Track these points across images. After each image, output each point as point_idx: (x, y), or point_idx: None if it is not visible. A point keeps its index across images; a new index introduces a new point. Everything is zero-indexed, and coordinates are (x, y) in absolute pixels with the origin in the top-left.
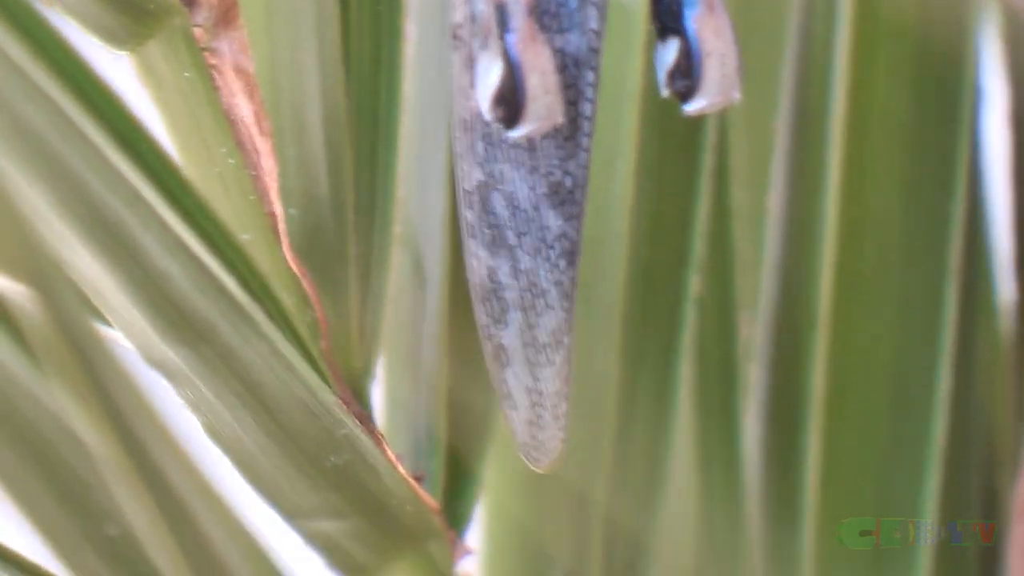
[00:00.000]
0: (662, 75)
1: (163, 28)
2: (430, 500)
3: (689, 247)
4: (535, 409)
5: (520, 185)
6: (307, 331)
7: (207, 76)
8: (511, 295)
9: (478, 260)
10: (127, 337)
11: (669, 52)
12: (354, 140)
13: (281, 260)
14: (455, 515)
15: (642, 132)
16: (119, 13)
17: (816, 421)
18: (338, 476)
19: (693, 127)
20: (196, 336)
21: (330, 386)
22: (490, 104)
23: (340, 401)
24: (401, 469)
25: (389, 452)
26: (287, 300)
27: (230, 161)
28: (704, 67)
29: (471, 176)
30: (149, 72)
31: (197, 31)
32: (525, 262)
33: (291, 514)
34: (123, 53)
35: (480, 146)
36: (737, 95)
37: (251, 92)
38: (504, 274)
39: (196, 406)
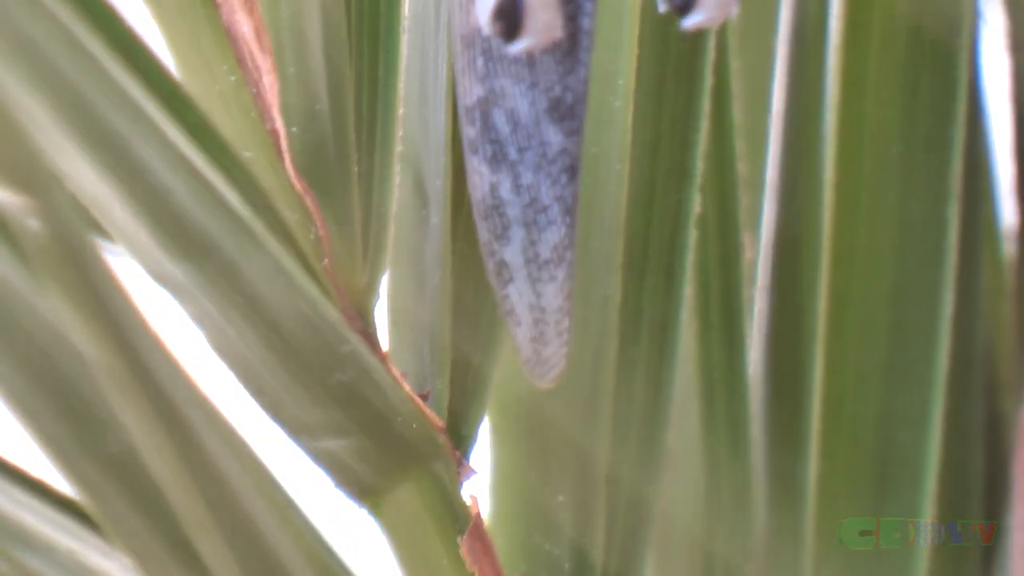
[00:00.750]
0: None
1: None
2: (435, 419)
3: (690, 166)
4: (538, 326)
5: (520, 101)
6: (310, 248)
7: None
8: (513, 211)
9: (480, 176)
10: (130, 252)
11: None
12: (355, 58)
13: (283, 178)
14: (459, 435)
15: (641, 48)
16: None
17: (819, 346)
18: (342, 393)
19: (692, 44)
20: (199, 251)
21: (333, 303)
22: (490, 17)
23: (343, 318)
24: (406, 387)
25: (394, 369)
26: (290, 217)
27: (231, 78)
28: None
29: (471, 92)
30: None
31: None
32: (526, 178)
33: (296, 431)
34: None
35: (480, 62)
36: (734, 9)
37: (251, 8)
38: (506, 190)
39: (200, 321)
